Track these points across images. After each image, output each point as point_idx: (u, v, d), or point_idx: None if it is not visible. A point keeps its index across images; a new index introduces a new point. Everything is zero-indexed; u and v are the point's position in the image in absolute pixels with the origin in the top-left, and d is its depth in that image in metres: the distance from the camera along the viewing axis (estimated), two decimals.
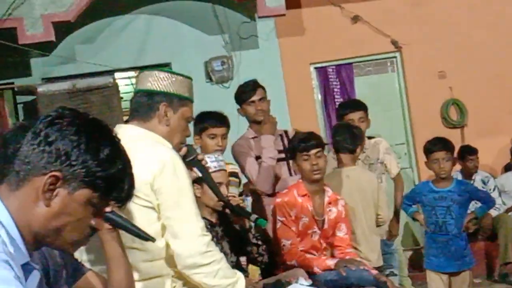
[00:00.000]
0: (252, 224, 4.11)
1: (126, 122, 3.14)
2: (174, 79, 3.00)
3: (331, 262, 4.17)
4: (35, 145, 1.71)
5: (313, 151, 4.30)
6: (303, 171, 4.35)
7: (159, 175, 2.78)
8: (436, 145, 5.07)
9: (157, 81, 2.99)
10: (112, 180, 1.76)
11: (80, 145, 1.71)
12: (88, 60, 7.82)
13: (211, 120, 4.51)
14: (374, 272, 4.18)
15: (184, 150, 3.15)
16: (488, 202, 5.28)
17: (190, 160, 3.18)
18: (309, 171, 4.31)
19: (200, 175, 3.32)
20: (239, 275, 3.01)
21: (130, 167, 1.84)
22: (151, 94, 2.99)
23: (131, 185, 1.83)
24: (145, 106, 2.99)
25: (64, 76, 7.84)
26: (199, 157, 3.20)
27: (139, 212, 2.71)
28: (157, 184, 2.79)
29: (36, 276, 1.75)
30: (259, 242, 4.08)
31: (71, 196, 1.71)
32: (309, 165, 4.30)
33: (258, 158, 4.84)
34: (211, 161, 3.69)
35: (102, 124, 1.81)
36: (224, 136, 4.55)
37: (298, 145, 4.38)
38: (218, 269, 2.88)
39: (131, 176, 1.83)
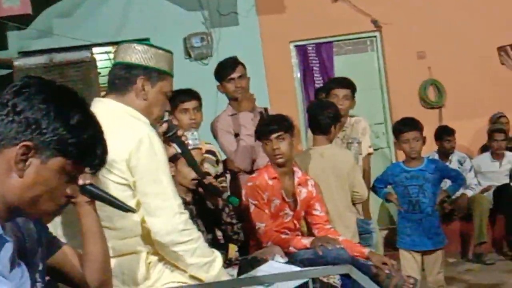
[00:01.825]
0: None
1: (104, 96, 3.10)
2: (153, 52, 2.96)
3: (306, 241, 4.18)
4: (4, 115, 1.69)
5: (274, 135, 4.29)
6: (267, 154, 4.36)
7: (136, 152, 2.76)
8: (405, 125, 5.09)
9: (136, 54, 2.94)
10: (84, 146, 1.74)
11: (49, 112, 1.69)
12: (65, 34, 7.73)
13: (181, 95, 4.50)
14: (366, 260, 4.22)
15: (164, 125, 3.13)
16: (459, 180, 5.32)
17: (170, 136, 3.15)
18: (271, 155, 4.31)
19: (179, 151, 3.29)
20: (217, 254, 3.00)
21: (101, 132, 1.82)
22: (129, 67, 2.95)
23: (104, 151, 1.82)
24: (122, 79, 2.95)
25: (41, 50, 7.75)
26: (179, 132, 3.17)
27: (114, 189, 2.69)
28: (133, 161, 2.76)
29: (8, 248, 1.72)
30: (234, 221, 4.08)
31: (44, 165, 1.69)
32: (270, 149, 4.30)
33: (237, 135, 4.83)
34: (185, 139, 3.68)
35: (70, 91, 1.79)
36: (196, 110, 4.54)
37: (260, 130, 4.38)
38: (196, 248, 2.86)
39: (103, 142, 1.81)
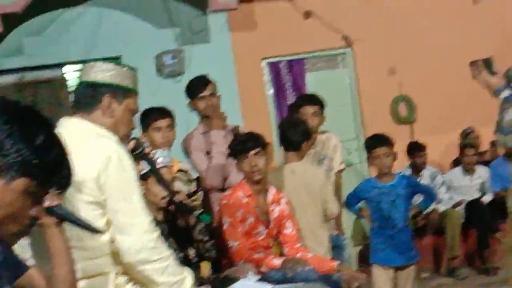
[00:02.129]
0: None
1: (71, 115, 3.08)
2: (118, 70, 2.96)
3: (278, 262, 4.18)
4: None
5: (252, 152, 4.30)
6: (243, 171, 4.36)
7: (104, 170, 2.74)
8: (377, 141, 5.13)
9: (101, 73, 2.94)
10: (49, 166, 1.72)
11: (13, 133, 1.67)
12: (36, 52, 7.68)
13: (154, 113, 4.50)
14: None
15: (132, 143, 3.12)
16: (430, 195, 5.36)
17: (138, 153, 3.14)
18: (249, 172, 4.31)
19: (148, 168, 3.28)
20: (187, 272, 2.98)
21: (66, 152, 1.80)
22: (94, 86, 2.95)
23: (69, 171, 1.80)
24: (88, 98, 2.94)
25: (12, 69, 7.68)
26: (147, 150, 3.16)
27: (84, 208, 2.67)
28: (102, 179, 2.74)
29: None
30: (206, 238, 4.06)
31: (7, 186, 1.67)
32: (248, 166, 4.30)
33: (208, 153, 4.83)
34: (156, 157, 3.66)
35: (34, 111, 1.77)
36: (169, 128, 4.54)
37: (237, 147, 4.38)
38: (166, 266, 2.84)
39: (68, 162, 1.79)
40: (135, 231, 2.76)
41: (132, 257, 2.79)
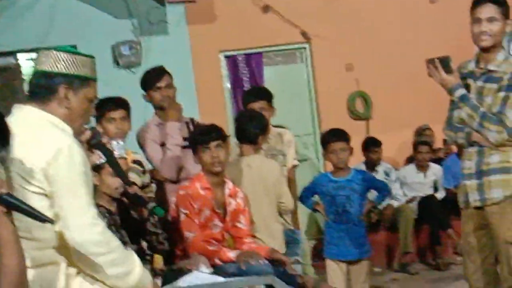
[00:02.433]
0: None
1: (25, 104, 3.01)
2: (74, 59, 2.88)
3: (232, 255, 4.16)
4: None
5: (213, 144, 4.28)
6: (203, 163, 4.32)
7: (54, 162, 2.68)
8: (333, 136, 5.14)
9: (56, 62, 2.86)
10: None
11: None
12: None
13: (108, 104, 4.44)
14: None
15: (88, 133, 3.06)
16: (384, 190, 5.40)
17: (94, 143, 3.09)
18: (210, 164, 4.28)
19: (104, 159, 3.23)
20: (135, 260, 2.94)
21: None
22: (49, 76, 2.87)
23: None
24: (43, 88, 2.87)
25: None
26: (104, 140, 3.11)
27: (31, 198, 2.61)
28: (51, 171, 2.68)
29: None
30: (158, 231, 4.03)
31: None
32: (209, 157, 4.27)
33: (163, 145, 4.79)
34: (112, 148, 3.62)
35: None
36: (124, 119, 4.49)
37: (198, 137, 4.36)
38: (115, 258, 2.80)
39: None
40: (79, 227, 2.69)
41: (79, 252, 2.74)
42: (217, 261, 4.13)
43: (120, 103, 4.52)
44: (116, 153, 3.66)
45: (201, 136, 4.35)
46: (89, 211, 2.73)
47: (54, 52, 2.89)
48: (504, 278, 4.06)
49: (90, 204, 2.74)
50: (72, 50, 2.95)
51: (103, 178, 3.68)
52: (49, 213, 2.61)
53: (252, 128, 4.75)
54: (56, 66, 2.87)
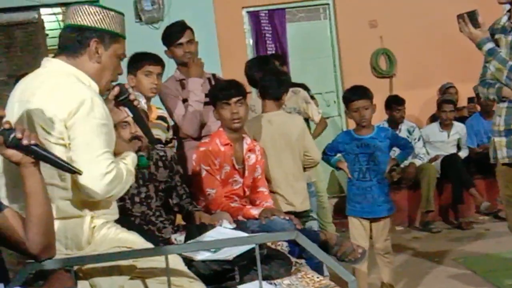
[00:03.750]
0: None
1: (54, 56, 3.00)
2: (105, 14, 2.87)
3: (255, 212, 4.17)
4: None
5: (234, 100, 4.26)
6: (223, 119, 4.31)
7: (75, 113, 2.68)
8: (355, 94, 5.07)
9: (88, 16, 2.85)
10: None
11: None
12: None
13: (148, 58, 4.43)
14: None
15: (116, 89, 3.05)
16: (407, 148, 5.35)
17: (122, 100, 3.07)
18: (229, 120, 4.27)
19: (131, 115, 3.20)
20: (127, 153, 2.97)
21: None
22: (81, 30, 2.86)
23: None
24: (74, 42, 2.86)
25: None
26: (131, 97, 3.09)
27: (54, 149, 2.61)
28: (71, 122, 2.68)
29: None
30: (185, 189, 4.06)
31: None
32: (229, 113, 4.26)
33: (185, 101, 4.77)
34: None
35: None
36: (159, 76, 4.47)
37: (218, 93, 4.33)
38: (125, 181, 2.81)
39: None
40: (90, 177, 2.67)
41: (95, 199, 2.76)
42: (240, 218, 4.15)
43: (159, 60, 4.51)
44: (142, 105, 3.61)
45: (221, 92, 4.33)
46: (101, 162, 2.70)
47: (86, 6, 2.88)
48: None
49: (104, 155, 2.72)
50: (103, 5, 2.93)
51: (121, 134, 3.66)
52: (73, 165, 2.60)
53: (276, 85, 4.75)
54: (88, 20, 2.86)
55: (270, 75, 4.88)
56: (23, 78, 2.97)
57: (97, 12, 2.86)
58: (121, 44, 2.95)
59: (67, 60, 2.87)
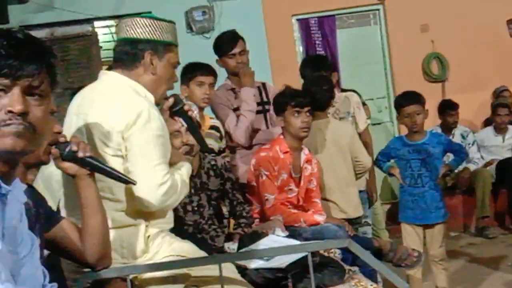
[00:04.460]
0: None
1: (109, 69, 3.06)
2: (157, 24, 2.91)
3: (320, 218, 4.19)
4: None
5: (306, 108, 4.28)
6: (292, 127, 4.31)
7: (132, 125, 2.72)
8: (407, 99, 5.04)
9: (140, 28, 2.90)
10: None
11: None
12: (67, 8, 7.69)
13: (200, 68, 4.48)
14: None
15: (171, 100, 3.09)
16: (461, 153, 5.29)
17: (177, 110, 3.12)
18: (299, 128, 4.28)
19: (185, 125, 3.24)
20: (182, 164, 3.00)
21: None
22: (134, 42, 2.91)
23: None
24: (129, 55, 2.91)
25: (42, 24, 7.72)
26: (186, 107, 3.13)
27: (112, 161, 2.67)
28: (128, 133, 2.73)
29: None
30: (239, 197, 4.08)
31: None
32: (300, 121, 4.27)
33: (236, 110, 4.80)
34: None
35: None
36: (211, 86, 4.52)
37: (290, 100, 4.33)
38: (179, 192, 2.85)
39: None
40: (146, 187, 2.71)
41: (149, 209, 2.81)
42: (303, 224, 4.16)
43: (212, 70, 4.55)
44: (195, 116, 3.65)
45: (294, 99, 4.32)
46: (157, 172, 2.74)
47: (137, 18, 2.93)
48: None
49: (161, 166, 2.76)
50: (154, 16, 2.98)
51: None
52: (129, 176, 2.65)
53: (321, 94, 4.73)
54: (141, 33, 2.90)
55: (313, 85, 4.81)
56: (80, 91, 3.04)
57: (148, 24, 2.90)
58: (174, 53, 2.99)
59: (122, 72, 2.92)
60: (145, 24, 2.90)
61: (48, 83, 1.83)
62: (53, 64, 1.86)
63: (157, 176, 2.74)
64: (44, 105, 1.81)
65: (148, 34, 2.90)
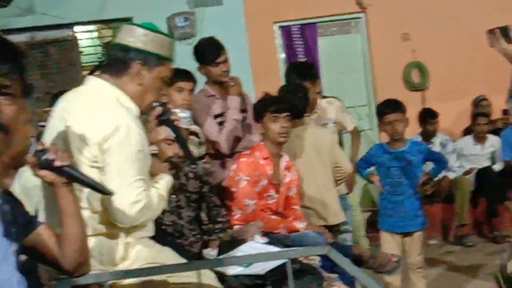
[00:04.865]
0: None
1: (99, 74, 3.03)
2: (153, 36, 2.90)
3: (300, 225, 4.19)
4: None
5: (284, 114, 4.29)
6: (270, 132, 4.31)
7: (110, 137, 2.71)
8: (388, 107, 5.07)
9: (135, 37, 2.89)
10: None
11: None
12: (47, 12, 7.64)
13: (180, 74, 4.46)
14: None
15: (159, 109, 3.08)
16: (441, 162, 5.32)
17: (164, 120, 3.11)
18: (277, 133, 4.28)
19: (173, 135, 3.22)
20: (161, 176, 2.99)
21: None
22: (126, 50, 2.90)
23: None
24: (119, 61, 2.91)
25: (23, 28, 7.66)
26: (173, 117, 3.12)
27: (88, 171, 2.64)
28: (105, 146, 2.71)
29: None
30: (217, 202, 4.07)
31: None
32: (278, 127, 4.28)
33: (216, 117, 4.79)
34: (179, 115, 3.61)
35: None
36: (191, 92, 4.51)
37: (269, 106, 4.34)
38: (155, 208, 2.84)
39: None
40: (121, 205, 2.71)
41: (123, 226, 2.81)
42: (282, 230, 4.16)
43: (191, 76, 4.53)
44: (184, 123, 3.64)
45: (273, 105, 4.33)
46: (132, 190, 2.72)
47: (135, 27, 2.91)
48: None
49: (136, 183, 2.74)
50: (154, 28, 2.95)
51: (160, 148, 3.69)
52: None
53: (297, 102, 4.71)
54: (134, 42, 2.89)
55: (288, 93, 4.77)
56: (64, 94, 3.01)
57: (144, 34, 2.88)
58: (166, 67, 2.97)
59: (110, 78, 2.90)
60: (141, 34, 2.89)
61: (20, 84, 1.82)
62: (24, 65, 1.85)
63: (132, 194, 2.72)
64: (16, 105, 1.81)
65: (142, 44, 2.89)
